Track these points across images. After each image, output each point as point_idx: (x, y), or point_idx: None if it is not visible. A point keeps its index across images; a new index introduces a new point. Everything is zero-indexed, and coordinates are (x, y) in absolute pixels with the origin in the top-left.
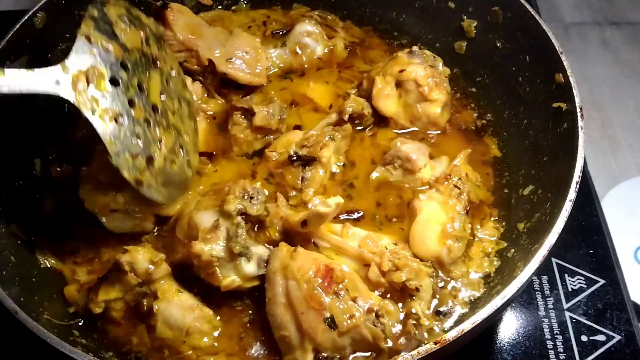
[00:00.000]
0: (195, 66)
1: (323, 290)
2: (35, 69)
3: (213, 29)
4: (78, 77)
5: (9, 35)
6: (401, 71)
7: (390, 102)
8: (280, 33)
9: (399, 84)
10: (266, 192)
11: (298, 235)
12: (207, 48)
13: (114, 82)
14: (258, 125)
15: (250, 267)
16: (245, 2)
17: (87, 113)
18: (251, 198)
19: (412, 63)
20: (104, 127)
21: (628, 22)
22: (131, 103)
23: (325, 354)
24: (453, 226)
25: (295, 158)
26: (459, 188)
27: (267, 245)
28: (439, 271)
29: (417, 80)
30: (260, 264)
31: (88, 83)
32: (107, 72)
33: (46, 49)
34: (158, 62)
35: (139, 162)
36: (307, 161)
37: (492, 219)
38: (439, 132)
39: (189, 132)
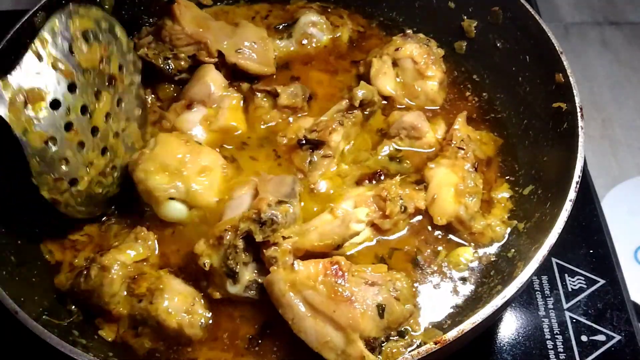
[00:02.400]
0: (206, 58)
1: (341, 282)
2: None
3: (219, 23)
4: (17, 96)
5: (9, 35)
6: (397, 50)
7: (389, 80)
8: (282, 27)
9: (395, 63)
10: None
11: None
12: (215, 40)
13: (55, 104)
14: (284, 104)
15: (233, 289)
16: None
17: (18, 133)
18: (263, 224)
19: (407, 42)
20: (32, 149)
21: (628, 22)
22: (68, 126)
23: (375, 337)
24: (465, 184)
25: (304, 142)
26: (463, 149)
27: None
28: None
29: (413, 58)
30: (250, 286)
31: (26, 103)
32: (49, 94)
33: None
34: (115, 82)
35: (61, 184)
36: (316, 144)
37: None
38: (437, 107)
39: (130, 153)
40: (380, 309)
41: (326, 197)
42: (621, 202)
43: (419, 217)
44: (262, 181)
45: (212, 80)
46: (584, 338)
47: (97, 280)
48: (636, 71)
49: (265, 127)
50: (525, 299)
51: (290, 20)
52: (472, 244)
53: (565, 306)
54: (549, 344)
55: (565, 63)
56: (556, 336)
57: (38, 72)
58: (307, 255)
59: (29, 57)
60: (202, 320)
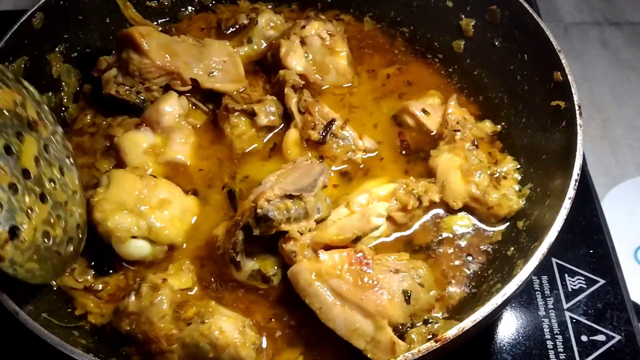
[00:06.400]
0: (180, 87)
1: (367, 270)
2: None
3: (184, 44)
4: None
5: (7, 36)
6: (303, 27)
7: (299, 58)
8: (235, 28)
9: (303, 42)
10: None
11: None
12: (186, 67)
13: None
14: (264, 125)
15: (237, 275)
16: (191, 9)
17: None
18: (259, 219)
19: (312, 21)
20: None
21: (628, 22)
22: None
23: (402, 323)
24: (469, 162)
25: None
26: (459, 130)
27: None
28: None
29: (320, 34)
30: (255, 275)
31: None
32: None
33: (44, 50)
34: (36, 126)
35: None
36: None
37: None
38: (350, 84)
39: (75, 203)
40: (407, 295)
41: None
42: (621, 202)
43: (436, 211)
44: (285, 169)
45: (167, 108)
46: (584, 338)
47: (147, 299)
48: (636, 71)
49: (247, 151)
50: (525, 299)
51: (244, 21)
52: (493, 220)
53: (565, 306)
54: (549, 344)
55: (563, 61)
56: (556, 336)
57: None
58: (326, 249)
59: None
60: (256, 342)
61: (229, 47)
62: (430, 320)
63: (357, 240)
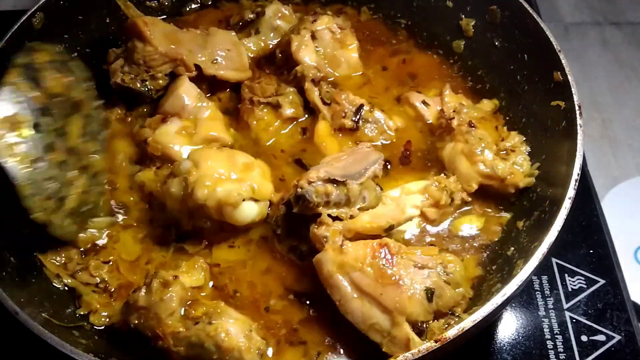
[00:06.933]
0: (186, 74)
1: (389, 265)
2: None
3: (189, 33)
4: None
5: (7, 36)
6: (314, 21)
7: (310, 52)
8: (242, 23)
9: (314, 36)
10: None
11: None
12: (190, 54)
13: (35, 127)
14: (289, 116)
15: (278, 246)
16: (195, 6)
17: (2, 160)
18: (297, 198)
19: (322, 15)
20: (17, 172)
21: (628, 22)
22: (50, 147)
23: (422, 320)
24: (470, 143)
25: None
26: (453, 118)
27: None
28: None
29: (330, 28)
30: (293, 250)
31: (9, 130)
32: (29, 119)
33: None
34: (80, 106)
35: (50, 204)
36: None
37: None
38: (360, 73)
39: (103, 173)
40: (429, 293)
41: None
42: (621, 202)
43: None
44: (343, 152)
45: (186, 91)
46: (584, 338)
47: (157, 295)
48: (636, 71)
49: (272, 142)
50: (525, 299)
51: (252, 16)
52: (513, 190)
53: (565, 306)
54: (549, 344)
55: (563, 61)
56: (556, 336)
57: (15, 101)
58: (357, 237)
59: (3, 90)
60: (261, 347)
61: (234, 36)
62: (453, 312)
63: (390, 229)
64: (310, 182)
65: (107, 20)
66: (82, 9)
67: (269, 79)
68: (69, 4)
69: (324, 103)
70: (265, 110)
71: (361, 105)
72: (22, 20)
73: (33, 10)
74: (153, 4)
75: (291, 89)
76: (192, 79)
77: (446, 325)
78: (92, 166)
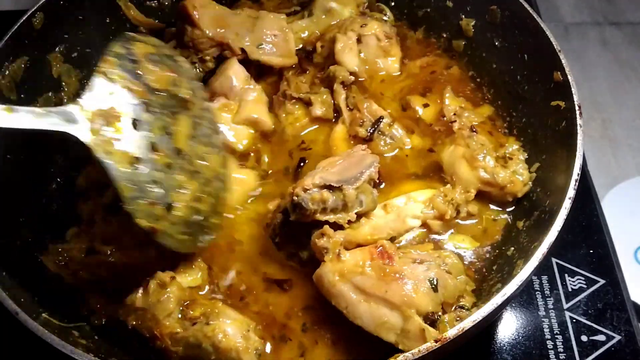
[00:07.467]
0: (234, 56)
1: (389, 262)
2: (49, 108)
3: (239, 16)
4: (94, 118)
5: (7, 36)
6: (362, 26)
7: (353, 56)
8: (297, 10)
9: (359, 40)
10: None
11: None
12: (237, 38)
13: (134, 124)
14: (318, 116)
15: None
16: None
17: (100, 155)
18: (294, 206)
19: (370, 20)
20: (117, 171)
21: (628, 22)
22: (153, 147)
23: (432, 311)
24: (471, 148)
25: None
26: (455, 121)
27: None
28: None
29: (378, 35)
30: (292, 257)
31: (105, 124)
32: (127, 113)
33: (44, 50)
34: (187, 106)
35: (156, 210)
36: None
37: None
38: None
39: (218, 178)
40: (433, 283)
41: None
42: (621, 202)
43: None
44: (338, 156)
45: (234, 73)
46: (584, 338)
47: (154, 296)
48: (636, 71)
49: (295, 135)
50: (525, 299)
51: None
52: (510, 199)
53: (565, 306)
54: (549, 344)
55: (563, 61)
56: (556, 336)
57: (110, 92)
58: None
59: (98, 80)
60: (259, 347)
61: (283, 21)
62: (462, 305)
63: (391, 240)
64: (305, 190)
65: (107, 20)
66: (82, 9)
67: (306, 76)
68: (69, 4)
69: (348, 108)
70: (297, 105)
71: (380, 118)
72: (22, 20)
73: (33, 10)
74: (153, 4)
75: (325, 89)
76: (241, 62)
77: (458, 319)
78: (203, 172)
